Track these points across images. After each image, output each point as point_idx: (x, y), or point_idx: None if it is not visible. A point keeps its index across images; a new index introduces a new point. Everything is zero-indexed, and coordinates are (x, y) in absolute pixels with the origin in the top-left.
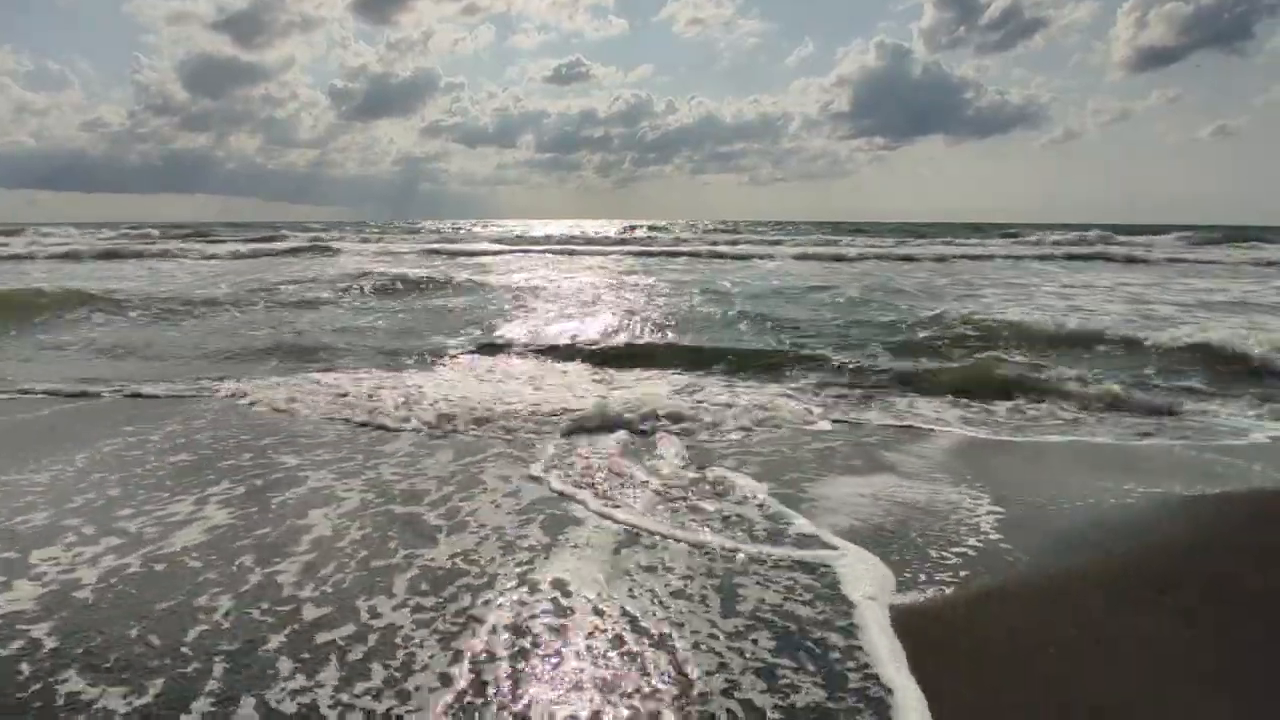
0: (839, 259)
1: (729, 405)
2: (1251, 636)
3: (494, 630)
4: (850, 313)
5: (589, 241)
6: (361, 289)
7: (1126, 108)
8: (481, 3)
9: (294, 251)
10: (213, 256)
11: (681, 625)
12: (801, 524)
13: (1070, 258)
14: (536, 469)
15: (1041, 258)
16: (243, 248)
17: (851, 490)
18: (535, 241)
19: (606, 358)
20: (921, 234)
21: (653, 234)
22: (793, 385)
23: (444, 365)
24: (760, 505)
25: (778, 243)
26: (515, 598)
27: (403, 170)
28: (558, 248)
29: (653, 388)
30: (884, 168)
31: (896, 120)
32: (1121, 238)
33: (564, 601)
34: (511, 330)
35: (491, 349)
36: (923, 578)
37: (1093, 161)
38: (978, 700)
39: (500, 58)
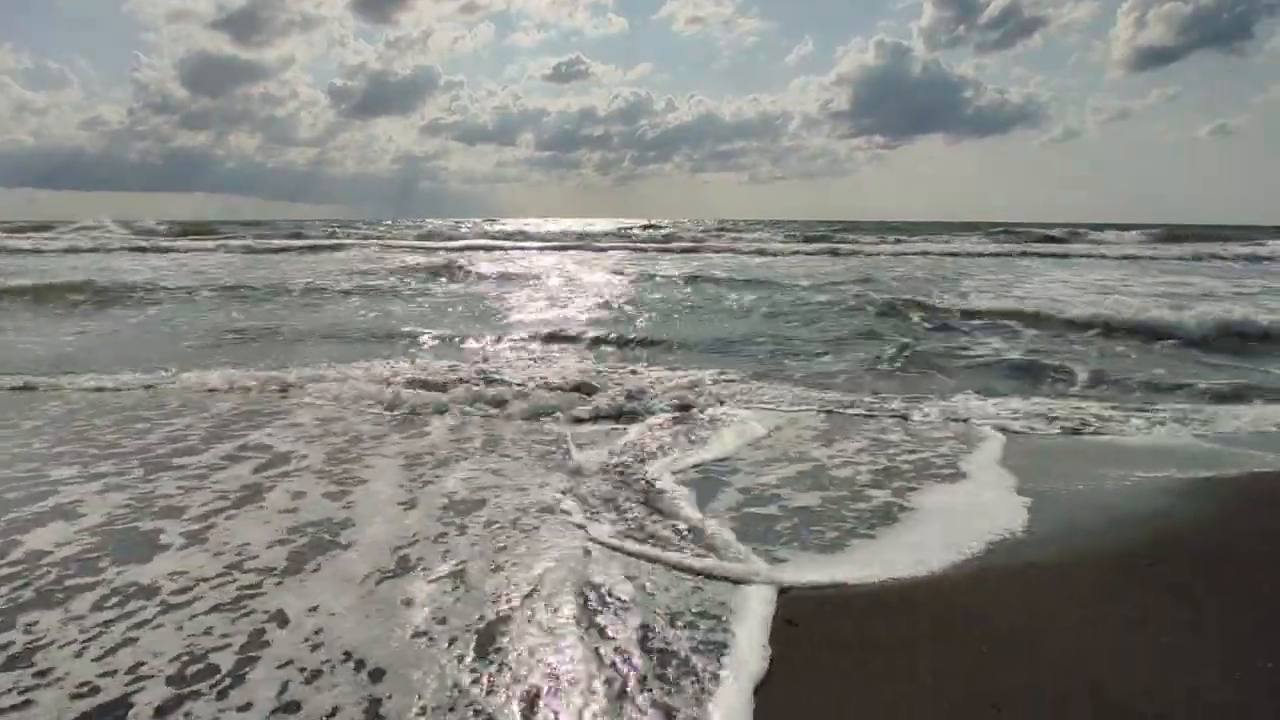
0: (832, 254)
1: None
2: (1252, 618)
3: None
4: (822, 301)
5: (588, 237)
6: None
7: (1126, 107)
8: (481, 1)
9: (332, 248)
10: (280, 249)
11: (399, 673)
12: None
13: (1062, 255)
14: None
15: (1028, 254)
16: (287, 243)
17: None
18: (546, 238)
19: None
20: (915, 232)
21: (650, 230)
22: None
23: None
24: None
25: (773, 239)
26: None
27: (402, 169)
28: (575, 245)
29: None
30: (883, 166)
31: (896, 119)
32: (1110, 235)
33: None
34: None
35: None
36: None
37: (1092, 160)
38: (978, 677)
39: (500, 56)
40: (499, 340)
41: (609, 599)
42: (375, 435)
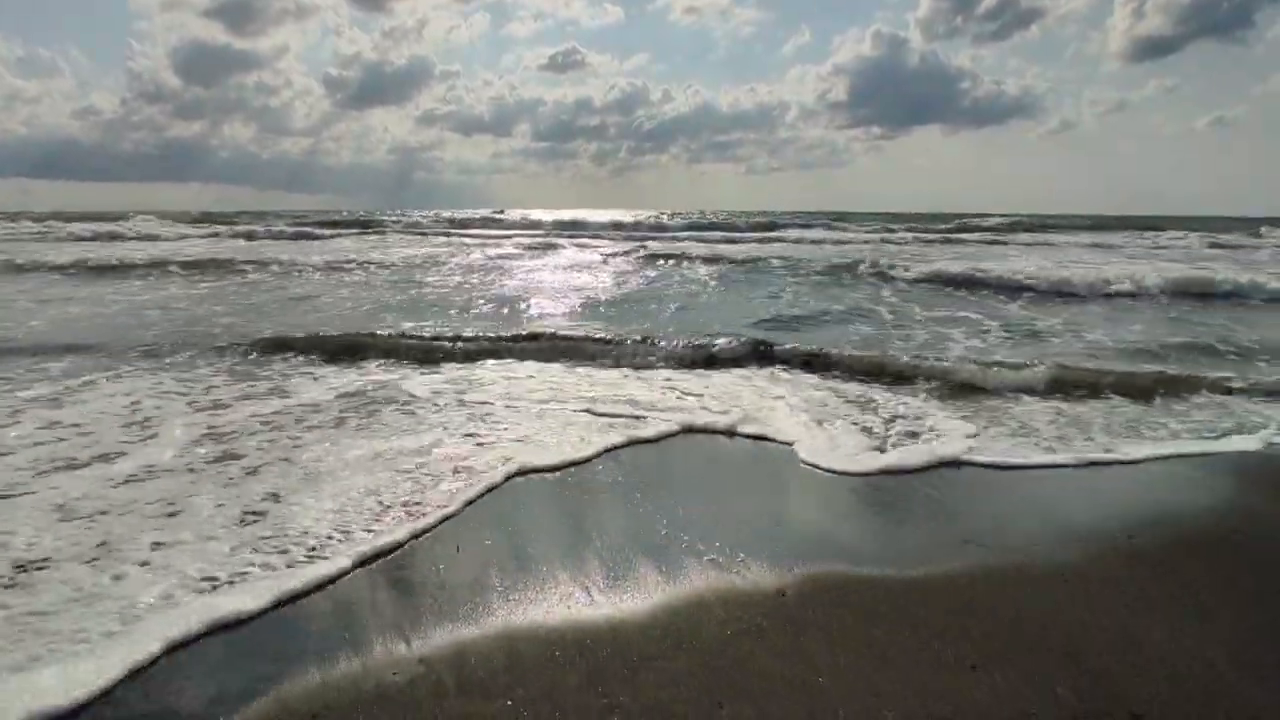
0: (820, 243)
1: None
2: (1252, 598)
3: None
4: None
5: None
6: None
7: (1123, 98)
8: None
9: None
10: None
11: None
12: None
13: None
14: None
15: (1003, 243)
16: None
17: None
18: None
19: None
20: (905, 222)
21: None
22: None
23: None
24: None
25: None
26: None
27: (398, 159)
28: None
29: None
30: (881, 157)
31: (893, 110)
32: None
33: None
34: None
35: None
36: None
37: (1090, 152)
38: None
39: (496, 46)
40: None
41: None
42: None
